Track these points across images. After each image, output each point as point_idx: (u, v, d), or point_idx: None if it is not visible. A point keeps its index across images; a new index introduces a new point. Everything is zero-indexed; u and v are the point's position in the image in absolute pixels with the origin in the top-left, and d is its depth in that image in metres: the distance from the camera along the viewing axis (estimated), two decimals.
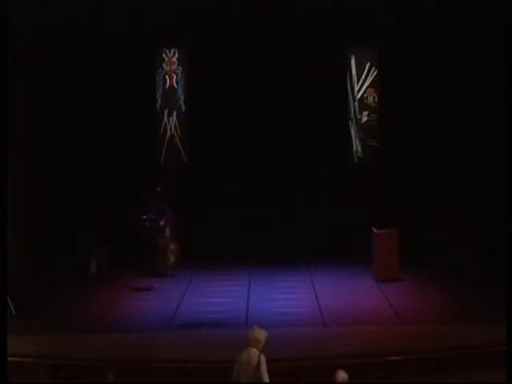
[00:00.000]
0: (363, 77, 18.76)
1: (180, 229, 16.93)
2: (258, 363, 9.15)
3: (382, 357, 11.50)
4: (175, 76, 18.87)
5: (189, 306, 14.56)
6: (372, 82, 18.75)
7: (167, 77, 18.86)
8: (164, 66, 18.86)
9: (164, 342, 12.45)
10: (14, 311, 13.83)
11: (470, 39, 17.15)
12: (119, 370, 10.97)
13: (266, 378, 9.18)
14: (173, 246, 16.86)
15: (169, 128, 18.80)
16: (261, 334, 9.37)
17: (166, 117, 18.82)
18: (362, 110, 18.82)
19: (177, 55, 18.85)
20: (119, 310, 14.46)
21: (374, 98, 18.77)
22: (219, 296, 15.21)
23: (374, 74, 18.70)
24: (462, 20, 17.18)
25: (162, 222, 16.47)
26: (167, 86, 18.87)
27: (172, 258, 16.85)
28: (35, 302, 14.70)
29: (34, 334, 12.80)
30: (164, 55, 18.86)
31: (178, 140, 18.82)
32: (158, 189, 16.52)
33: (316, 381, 10.96)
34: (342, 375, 8.92)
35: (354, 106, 18.84)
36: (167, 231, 16.72)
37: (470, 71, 17.23)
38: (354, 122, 18.84)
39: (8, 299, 13.23)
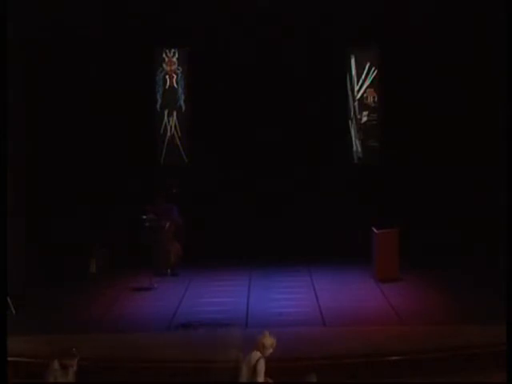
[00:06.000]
0: (363, 77, 18.75)
1: (183, 230, 16.94)
2: (256, 365, 9.11)
3: (382, 357, 11.50)
4: (175, 76, 18.86)
5: (189, 306, 14.56)
6: (372, 82, 18.74)
7: (167, 77, 18.85)
8: (164, 65, 18.85)
9: (164, 342, 12.44)
10: (14, 311, 13.82)
11: (469, 39, 17.15)
12: (119, 370, 10.98)
13: (261, 379, 9.13)
14: (173, 246, 16.85)
15: (169, 128, 18.80)
16: (268, 340, 9.28)
17: (166, 117, 18.82)
18: (362, 109, 18.82)
19: (177, 55, 18.85)
20: (119, 310, 14.46)
21: (373, 97, 18.77)
22: (219, 296, 15.20)
23: (374, 73, 18.69)
24: (461, 20, 17.19)
25: (166, 225, 16.43)
26: (167, 86, 18.87)
27: (172, 258, 16.85)
28: (35, 302, 14.70)
29: (34, 333, 12.79)
30: (164, 55, 18.85)
31: (177, 140, 18.82)
32: (174, 190, 16.56)
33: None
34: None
35: (353, 106, 18.83)
36: (170, 232, 16.68)
37: (470, 71, 17.22)
38: (353, 121, 18.83)
39: (8, 299, 13.21)
